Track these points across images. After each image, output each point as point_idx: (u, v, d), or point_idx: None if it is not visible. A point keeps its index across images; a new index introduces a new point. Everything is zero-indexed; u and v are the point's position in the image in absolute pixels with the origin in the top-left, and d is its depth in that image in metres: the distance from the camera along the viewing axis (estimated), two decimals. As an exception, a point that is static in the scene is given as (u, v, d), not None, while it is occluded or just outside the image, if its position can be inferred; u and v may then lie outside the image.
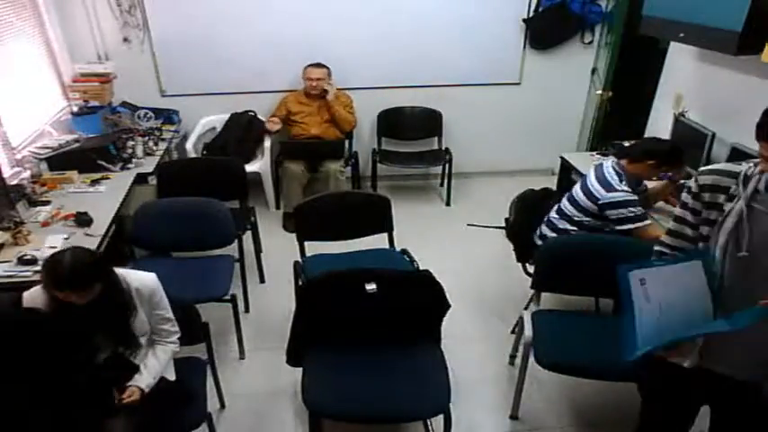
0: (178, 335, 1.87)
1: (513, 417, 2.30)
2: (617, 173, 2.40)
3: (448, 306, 2.03)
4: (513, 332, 2.73)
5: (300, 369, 2.03)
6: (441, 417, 1.88)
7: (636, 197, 2.35)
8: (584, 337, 2.13)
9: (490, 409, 2.35)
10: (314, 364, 1.99)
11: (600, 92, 3.76)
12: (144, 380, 1.72)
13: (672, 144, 2.57)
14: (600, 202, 2.36)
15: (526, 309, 2.40)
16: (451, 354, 2.07)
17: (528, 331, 2.15)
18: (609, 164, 2.45)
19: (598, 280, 2.12)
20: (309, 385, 1.90)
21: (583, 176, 2.58)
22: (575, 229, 2.48)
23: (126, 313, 1.73)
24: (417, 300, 2.02)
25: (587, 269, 2.17)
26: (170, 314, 1.84)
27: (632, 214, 2.30)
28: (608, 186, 2.36)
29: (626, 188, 2.35)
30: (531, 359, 2.09)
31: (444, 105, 4.25)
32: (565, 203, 2.56)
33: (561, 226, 2.53)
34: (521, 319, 2.31)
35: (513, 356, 2.60)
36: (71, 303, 1.59)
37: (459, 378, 2.29)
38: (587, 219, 2.45)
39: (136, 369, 1.74)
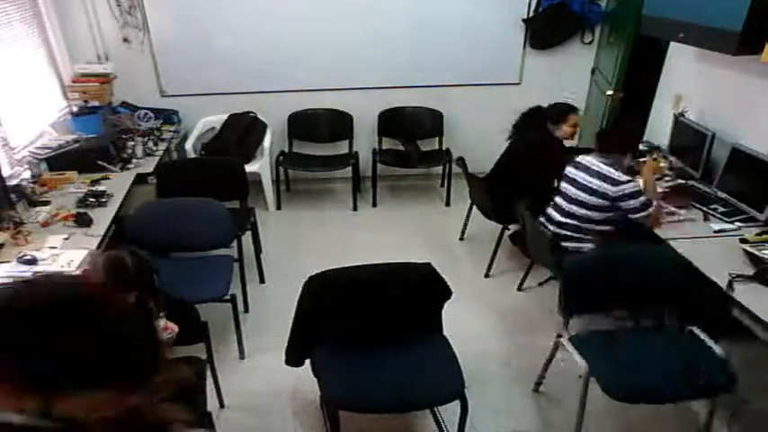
0: None
1: None
2: (611, 166, 2.47)
3: (449, 294, 2.03)
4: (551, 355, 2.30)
5: (300, 369, 2.03)
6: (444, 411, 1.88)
7: (639, 186, 2.46)
8: (646, 359, 1.96)
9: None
10: (324, 360, 1.99)
11: (610, 92, 3.54)
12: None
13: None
14: (612, 196, 2.43)
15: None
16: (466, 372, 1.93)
17: (581, 360, 1.96)
18: (594, 159, 2.53)
19: (635, 294, 2.12)
20: (324, 380, 1.91)
21: (569, 178, 2.62)
22: (577, 223, 2.57)
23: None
24: (419, 291, 2.04)
25: (621, 284, 2.09)
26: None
27: (644, 199, 2.40)
28: (613, 181, 2.43)
29: (629, 178, 2.45)
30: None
31: (445, 105, 4.25)
32: (563, 204, 2.62)
33: (564, 220, 2.60)
34: (556, 347, 2.22)
35: (539, 383, 2.39)
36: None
37: (477, 404, 2.08)
38: (597, 214, 2.52)
39: None
